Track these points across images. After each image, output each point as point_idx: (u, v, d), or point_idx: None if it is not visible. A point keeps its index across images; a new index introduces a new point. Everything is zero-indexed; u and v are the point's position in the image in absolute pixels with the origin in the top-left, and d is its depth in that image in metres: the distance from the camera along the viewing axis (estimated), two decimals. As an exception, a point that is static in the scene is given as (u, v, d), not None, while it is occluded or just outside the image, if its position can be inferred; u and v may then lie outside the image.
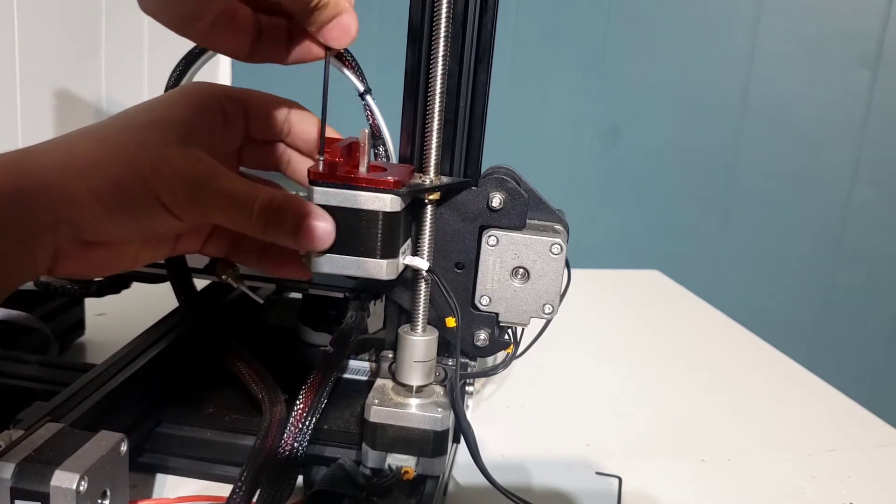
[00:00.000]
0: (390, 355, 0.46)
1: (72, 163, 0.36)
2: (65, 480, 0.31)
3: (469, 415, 0.51)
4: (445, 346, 0.45)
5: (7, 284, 0.35)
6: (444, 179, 0.42)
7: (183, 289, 0.49)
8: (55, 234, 0.35)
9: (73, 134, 0.38)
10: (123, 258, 0.39)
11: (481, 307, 0.45)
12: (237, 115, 0.42)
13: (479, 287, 0.45)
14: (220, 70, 1.04)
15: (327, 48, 0.40)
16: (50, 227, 0.35)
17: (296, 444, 0.40)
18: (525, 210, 0.44)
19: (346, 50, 0.43)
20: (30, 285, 0.55)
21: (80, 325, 0.64)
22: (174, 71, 0.48)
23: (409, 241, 0.42)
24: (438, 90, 0.41)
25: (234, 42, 0.39)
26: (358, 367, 0.53)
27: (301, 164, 0.45)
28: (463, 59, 0.42)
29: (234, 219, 0.36)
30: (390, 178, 0.38)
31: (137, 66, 0.96)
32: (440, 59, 0.40)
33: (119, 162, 0.36)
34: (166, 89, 0.48)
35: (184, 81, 0.48)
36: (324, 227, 0.37)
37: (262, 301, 0.51)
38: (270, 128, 0.44)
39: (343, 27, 0.38)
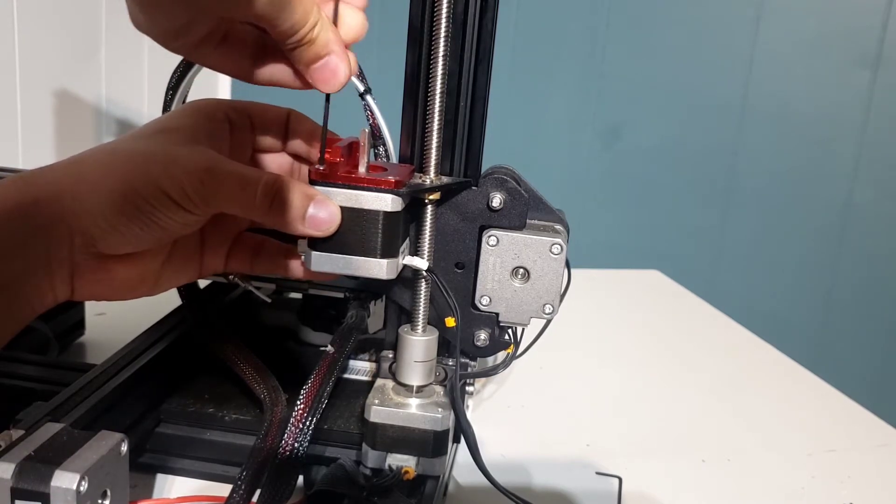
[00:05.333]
0: (390, 355, 0.46)
1: (83, 173, 0.36)
2: (65, 480, 0.31)
3: (469, 415, 0.51)
4: (445, 346, 0.45)
5: (30, 305, 0.36)
6: (445, 179, 0.42)
7: (186, 287, 0.50)
8: (70, 248, 0.35)
9: (83, 152, 0.38)
10: (145, 277, 0.39)
11: (481, 307, 0.45)
12: (244, 125, 0.43)
13: (479, 287, 0.45)
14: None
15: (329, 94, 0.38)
16: (64, 240, 0.35)
17: (296, 445, 0.40)
18: (525, 210, 0.44)
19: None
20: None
21: (80, 325, 0.64)
22: (175, 71, 0.48)
23: (407, 241, 0.42)
24: (438, 90, 0.41)
25: (229, 61, 0.38)
26: (358, 367, 0.53)
27: (299, 174, 0.45)
28: (463, 60, 0.42)
29: (239, 201, 0.36)
30: (391, 178, 0.38)
31: (137, 66, 0.96)
32: (440, 59, 0.40)
33: (129, 167, 0.36)
34: (167, 90, 0.48)
35: (184, 82, 0.48)
36: (328, 211, 0.37)
37: (269, 300, 0.50)
38: (273, 136, 0.44)
39: (331, 70, 0.36)
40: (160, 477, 0.46)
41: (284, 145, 0.45)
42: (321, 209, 0.37)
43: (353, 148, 0.39)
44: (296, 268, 0.43)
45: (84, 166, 0.36)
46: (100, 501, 0.33)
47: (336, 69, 0.36)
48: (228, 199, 0.36)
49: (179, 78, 0.48)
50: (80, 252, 0.36)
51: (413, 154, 0.43)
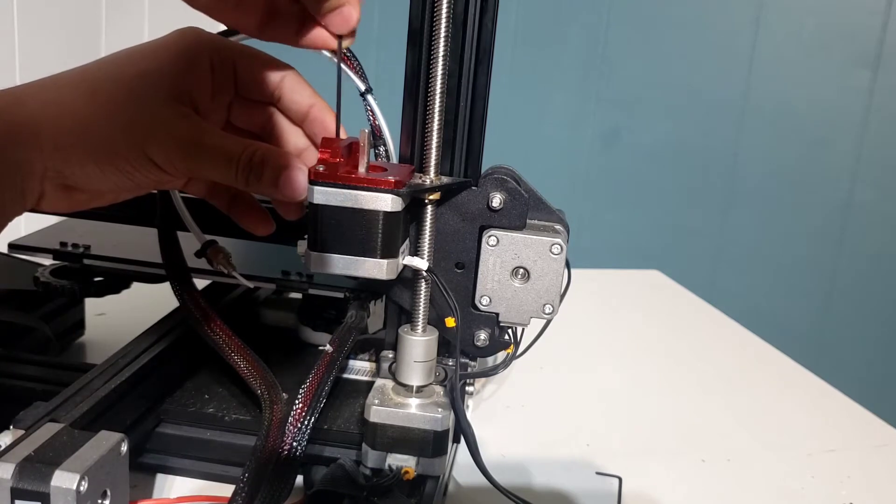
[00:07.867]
0: (390, 355, 0.46)
1: (63, 116, 0.37)
2: (65, 480, 0.31)
3: (469, 415, 0.51)
4: (445, 346, 0.45)
5: None
6: (445, 179, 0.42)
7: (182, 285, 0.49)
8: (43, 180, 0.37)
9: (61, 82, 0.38)
10: (104, 197, 0.40)
11: (481, 307, 0.45)
12: (227, 69, 0.42)
13: (479, 287, 0.45)
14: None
15: (339, 37, 0.41)
16: (38, 175, 0.36)
17: (294, 444, 0.40)
18: (525, 210, 0.44)
19: (347, 49, 0.43)
20: (30, 285, 0.55)
21: (80, 325, 0.64)
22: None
23: (407, 241, 0.42)
24: (438, 90, 0.41)
25: (240, 16, 0.40)
26: (358, 367, 0.53)
27: (286, 135, 0.45)
28: (463, 60, 0.42)
29: (219, 174, 0.39)
30: (391, 178, 0.38)
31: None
32: (440, 59, 0.40)
33: (111, 120, 0.37)
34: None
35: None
36: (301, 178, 0.39)
37: (251, 285, 0.51)
38: (260, 89, 0.43)
39: (344, 17, 0.40)
40: (160, 477, 0.46)
41: (273, 102, 0.44)
42: (294, 177, 0.39)
43: (353, 148, 0.39)
44: (238, 211, 0.45)
45: (64, 110, 0.37)
46: (100, 501, 0.33)
47: (349, 16, 0.40)
48: (210, 171, 0.39)
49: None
50: (51, 184, 0.37)
51: (413, 154, 0.43)
